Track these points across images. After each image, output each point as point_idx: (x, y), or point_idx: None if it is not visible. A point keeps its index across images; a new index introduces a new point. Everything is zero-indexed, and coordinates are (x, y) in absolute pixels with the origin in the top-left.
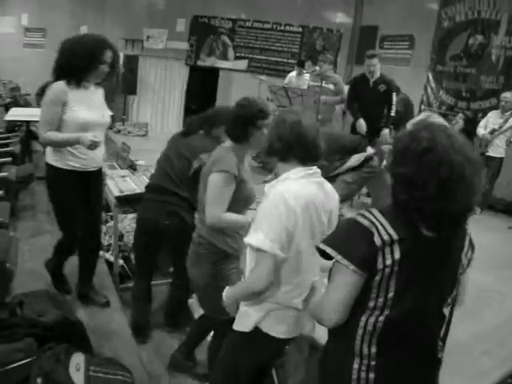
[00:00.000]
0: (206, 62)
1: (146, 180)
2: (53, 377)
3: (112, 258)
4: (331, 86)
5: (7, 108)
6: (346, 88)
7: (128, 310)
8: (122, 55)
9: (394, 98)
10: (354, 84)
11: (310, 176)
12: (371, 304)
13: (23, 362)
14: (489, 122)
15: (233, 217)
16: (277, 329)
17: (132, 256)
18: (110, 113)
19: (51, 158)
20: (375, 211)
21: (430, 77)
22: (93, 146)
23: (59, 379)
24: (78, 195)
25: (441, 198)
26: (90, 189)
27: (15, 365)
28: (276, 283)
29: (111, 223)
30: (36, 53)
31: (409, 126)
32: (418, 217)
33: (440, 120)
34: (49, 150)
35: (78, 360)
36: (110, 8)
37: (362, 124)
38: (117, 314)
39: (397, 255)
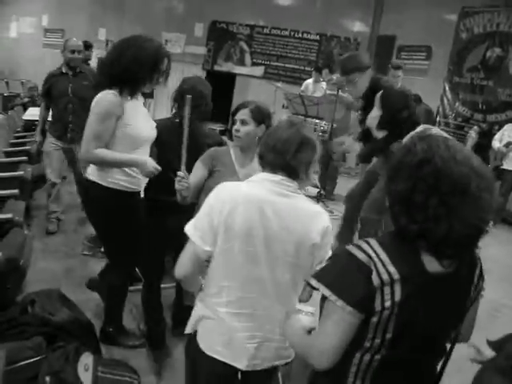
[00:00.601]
0: (223, 67)
1: None
2: (61, 376)
3: None
4: (347, 95)
5: (25, 107)
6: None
7: (137, 313)
8: None
9: None
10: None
11: (271, 183)
12: (367, 344)
13: (32, 360)
14: (504, 135)
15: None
16: (206, 341)
17: None
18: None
19: (96, 174)
20: (374, 242)
21: (447, 88)
22: (151, 174)
23: (67, 378)
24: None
25: (444, 217)
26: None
27: (24, 362)
28: (205, 281)
29: None
30: (55, 53)
31: (405, 139)
32: (421, 243)
33: (440, 132)
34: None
35: (86, 360)
36: (129, 11)
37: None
38: (125, 315)
39: (397, 297)
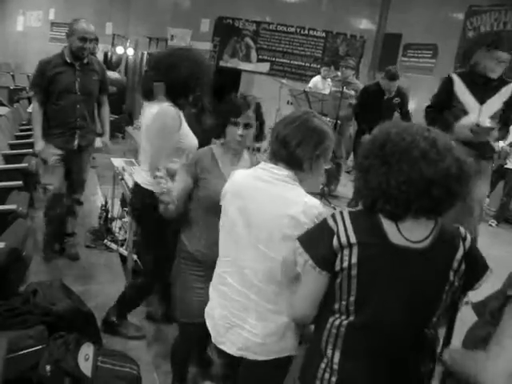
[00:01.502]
0: (229, 63)
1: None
2: (62, 365)
3: (126, 253)
4: (352, 92)
5: (30, 100)
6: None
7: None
8: (145, 53)
9: (409, 108)
10: (367, 96)
11: (262, 170)
12: (336, 306)
13: (34, 348)
14: (508, 134)
15: None
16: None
17: None
18: None
19: (148, 181)
20: (345, 212)
21: None
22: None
23: (68, 367)
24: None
25: (385, 174)
26: None
27: (25, 351)
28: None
29: (127, 218)
30: (61, 47)
31: None
32: (370, 201)
33: None
34: (141, 170)
35: (87, 350)
36: (136, 6)
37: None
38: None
39: (354, 259)
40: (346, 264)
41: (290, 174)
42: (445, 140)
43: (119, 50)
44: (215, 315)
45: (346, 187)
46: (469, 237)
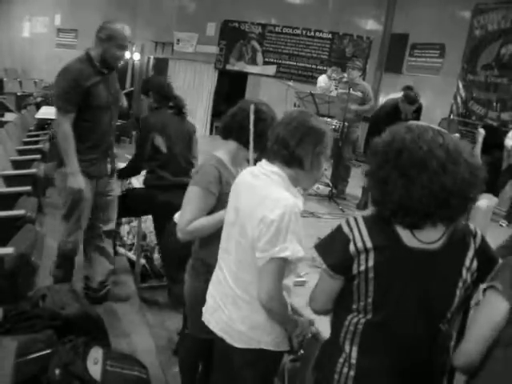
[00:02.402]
0: (235, 66)
1: None
2: (71, 369)
3: (134, 257)
4: (359, 94)
5: (38, 106)
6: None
7: (147, 309)
8: (151, 58)
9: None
10: (383, 116)
11: (258, 166)
12: (354, 306)
13: (43, 352)
14: None
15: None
16: None
17: (154, 256)
18: None
19: None
20: (359, 218)
21: (461, 86)
22: None
23: (77, 371)
24: None
25: (405, 186)
26: None
27: (35, 355)
28: None
29: (135, 223)
30: (68, 53)
31: None
32: (390, 213)
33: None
34: None
35: (96, 354)
36: (142, 10)
37: None
38: (136, 311)
39: (370, 262)
40: (363, 268)
41: (278, 171)
42: (454, 143)
43: (125, 54)
44: (209, 294)
45: (353, 188)
46: (479, 232)
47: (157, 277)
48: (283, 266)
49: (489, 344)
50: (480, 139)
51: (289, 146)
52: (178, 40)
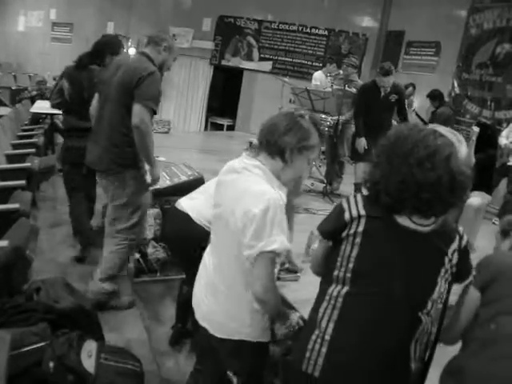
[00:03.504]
0: (231, 62)
1: (166, 176)
2: (65, 361)
3: None
4: (354, 91)
5: (33, 100)
6: None
7: (141, 303)
8: None
9: (407, 106)
10: (363, 93)
11: (245, 157)
12: (335, 274)
13: (37, 345)
14: (511, 132)
15: None
16: None
17: (148, 251)
18: None
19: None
20: (359, 195)
21: (456, 84)
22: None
23: (71, 364)
24: None
25: (388, 172)
26: None
27: (29, 348)
28: None
29: None
30: (63, 47)
31: None
32: (374, 192)
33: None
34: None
35: (90, 347)
36: (137, 5)
37: (362, 143)
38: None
39: (360, 228)
40: (352, 231)
41: (259, 165)
42: (448, 151)
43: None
44: (197, 281)
45: (348, 185)
46: (465, 237)
47: (151, 271)
48: (273, 258)
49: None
50: (474, 137)
51: (276, 134)
52: (174, 35)
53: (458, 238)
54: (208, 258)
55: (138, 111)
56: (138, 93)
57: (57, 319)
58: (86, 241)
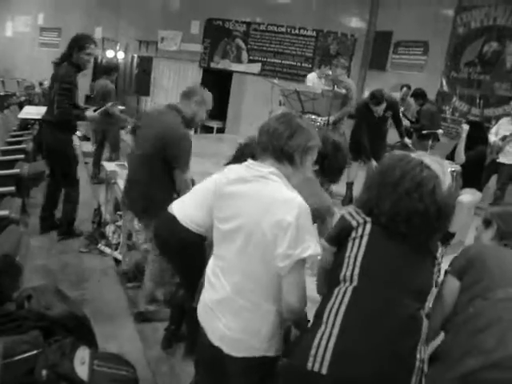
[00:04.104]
0: (220, 64)
1: None
2: (58, 369)
3: (120, 257)
4: (343, 91)
5: (21, 106)
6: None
7: (134, 308)
8: (136, 56)
9: (401, 116)
10: (358, 116)
11: (245, 167)
12: (343, 273)
13: (29, 353)
14: (500, 129)
15: None
16: None
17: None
18: None
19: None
20: (356, 209)
21: (444, 83)
22: None
23: (64, 372)
24: None
25: (379, 197)
26: None
27: (21, 356)
28: None
29: (120, 222)
30: (51, 52)
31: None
32: (368, 211)
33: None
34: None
35: (83, 354)
36: (125, 9)
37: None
38: (122, 311)
39: (367, 230)
40: (359, 234)
41: (275, 171)
42: (433, 183)
43: (109, 53)
44: (205, 299)
45: (339, 185)
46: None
47: (143, 276)
48: (304, 265)
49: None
50: (464, 135)
51: (281, 139)
52: (162, 38)
53: (440, 247)
54: (217, 274)
55: (179, 178)
56: (173, 158)
57: (49, 326)
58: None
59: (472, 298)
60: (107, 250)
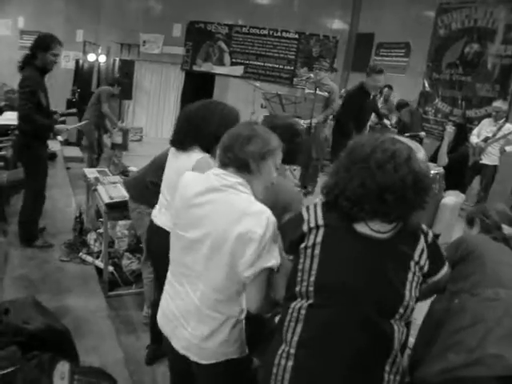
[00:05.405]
0: (202, 67)
1: None
2: None
3: (102, 265)
4: (325, 94)
5: (1, 111)
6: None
7: (116, 318)
8: (117, 60)
9: (387, 110)
10: (351, 99)
11: (214, 176)
12: (297, 289)
13: (6, 370)
14: (482, 130)
15: None
16: None
17: (123, 262)
18: None
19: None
20: (319, 202)
21: (426, 84)
22: None
23: None
24: None
25: (346, 178)
26: None
27: None
28: None
29: (101, 229)
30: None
31: None
32: (333, 198)
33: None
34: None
35: (62, 369)
36: (106, 12)
37: None
38: (104, 321)
39: (319, 238)
40: (311, 242)
41: (243, 182)
42: (407, 153)
43: (91, 57)
44: (166, 308)
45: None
46: (431, 233)
47: (126, 284)
48: (268, 274)
49: None
50: (447, 137)
51: (233, 149)
52: (144, 41)
53: (422, 235)
54: (182, 282)
55: None
56: None
57: (27, 341)
58: None
59: (459, 291)
60: (89, 259)
